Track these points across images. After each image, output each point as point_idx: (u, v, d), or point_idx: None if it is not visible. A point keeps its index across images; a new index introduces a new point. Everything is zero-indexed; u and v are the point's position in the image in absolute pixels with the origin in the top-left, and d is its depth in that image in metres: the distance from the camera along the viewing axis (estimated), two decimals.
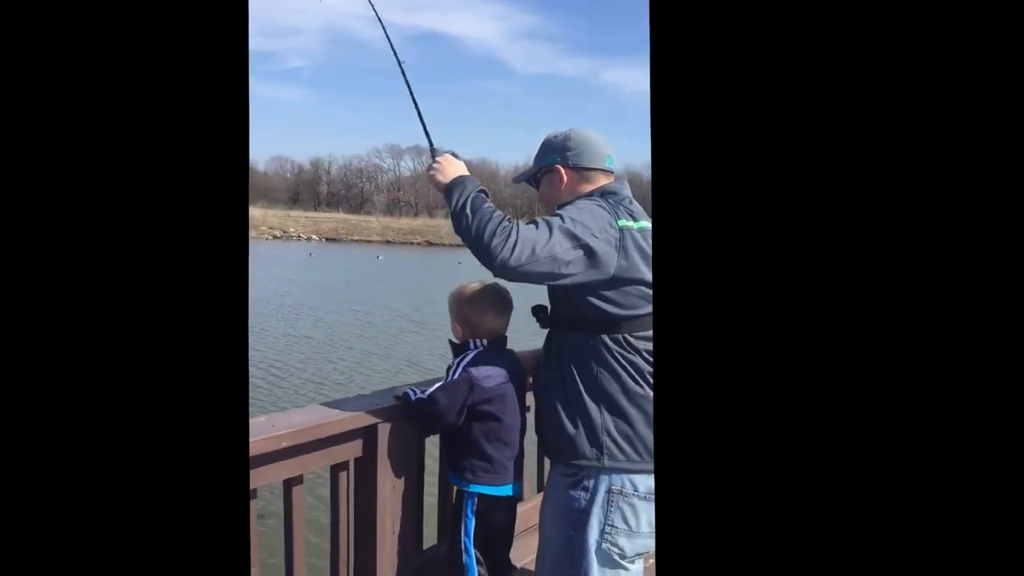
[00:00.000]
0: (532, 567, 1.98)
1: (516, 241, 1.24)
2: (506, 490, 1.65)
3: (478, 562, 1.62)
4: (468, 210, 1.33)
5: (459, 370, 1.61)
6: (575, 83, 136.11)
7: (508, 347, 1.74)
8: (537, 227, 1.28)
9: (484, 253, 1.27)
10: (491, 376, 1.61)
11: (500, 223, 1.28)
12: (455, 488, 1.69)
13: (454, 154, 1.54)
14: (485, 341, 1.67)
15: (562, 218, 1.30)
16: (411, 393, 1.62)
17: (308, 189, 67.00)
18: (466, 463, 1.64)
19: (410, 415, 1.62)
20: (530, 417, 1.84)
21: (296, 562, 1.49)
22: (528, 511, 2.22)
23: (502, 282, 1.61)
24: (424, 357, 8.92)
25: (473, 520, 1.64)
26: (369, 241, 38.03)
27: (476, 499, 1.63)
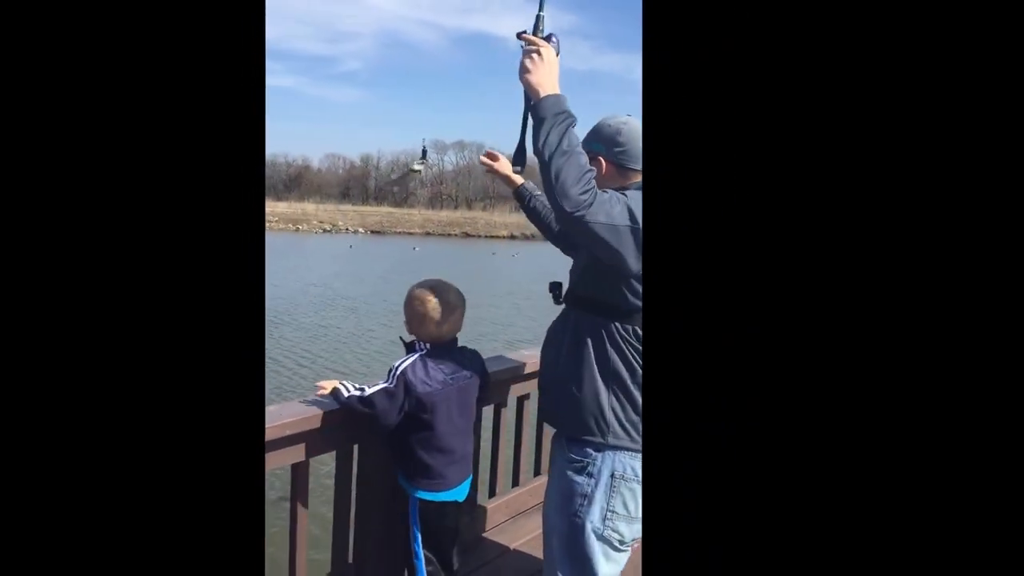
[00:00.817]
0: (526, 549, 2.06)
1: (595, 198, 1.18)
2: (446, 496, 1.59)
3: (427, 561, 1.59)
4: (565, 143, 1.19)
5: (397, 373, 1.54)
6: (610, 78, 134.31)
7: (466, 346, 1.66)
8: (608, 194, 1.22)
9: (563, 192, 1.16)
10: (427, 382, 1.54)
11: (588, 172, 1.19)
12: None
13: (554, 44, 1.27)
14: (427, 344, 1.59)
15: (628, 197, 1.24)
16: (342, 390, 1.53)
17: (358, 184, 67.63)
18: (406, 468, 1.59)
19: (346, 412, 1.55)
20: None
21: (299, 541, 1.58)
22: (522, 496, 2.28)
23: (454, 285, 1.63)
24: None
25: (419, 523, 1.59)
26: (411, 233, 38.26)
27: (418, 504, 1.58)
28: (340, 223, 38.54)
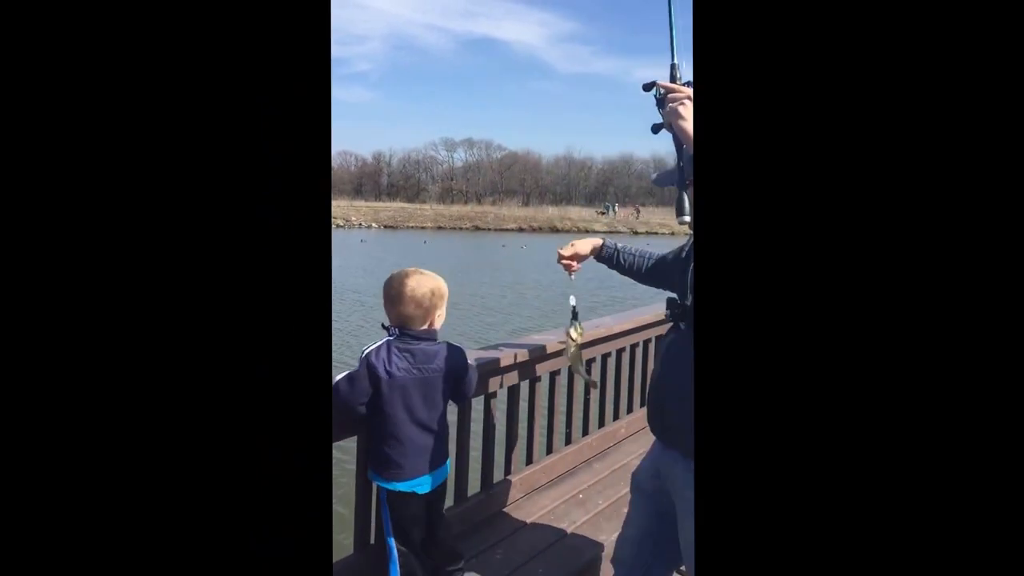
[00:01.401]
0: (541, 522, 2.08)
1: None
2: (403, 486, 1.52)
3: (399, 551, 1.55)
4: None
5: (363, 356, 1.50)
6: (608, 81, 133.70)
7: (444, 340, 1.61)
8: None
9: None
10: (388, 368, 1.48)
11: None
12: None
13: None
14: (397, 329, 1.53)
15: None
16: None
17: (370, 180, 67.73)
18: (373, 456, 1.56)
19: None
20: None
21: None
22: (536, 473, 2.31)
23: (438, 278, 1.59)
24: (448, 335, 8.98)
25: (388, 512, 1.55)
26: (423, 227, 38.33)
27: (385, 493, 1.55)
28: (354, 218, 38.64)
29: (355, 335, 9.23)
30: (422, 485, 1.55)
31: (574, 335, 1.90)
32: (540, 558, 1.88)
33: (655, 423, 1.40)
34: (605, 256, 1.83)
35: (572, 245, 1.83)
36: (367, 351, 1.51)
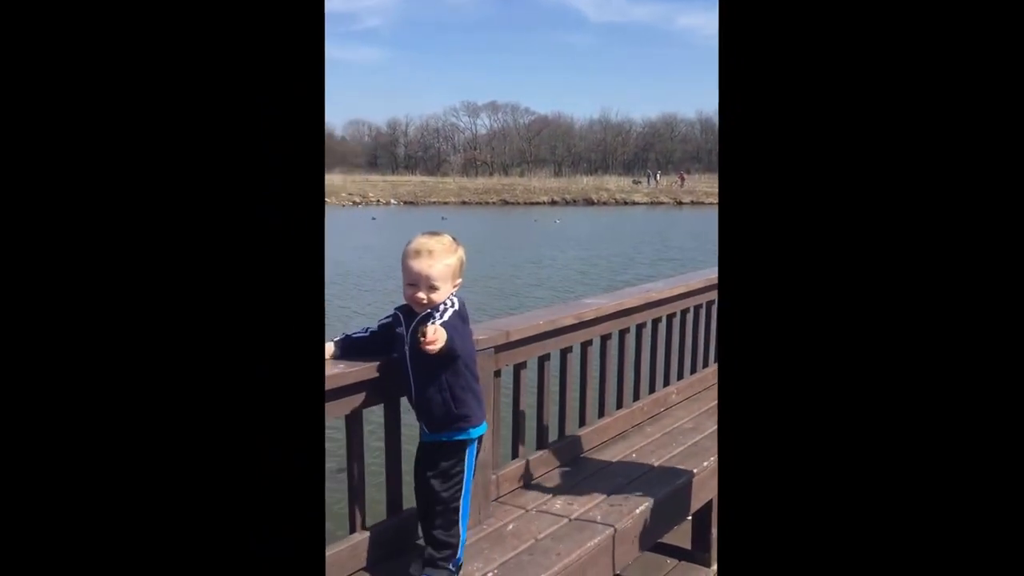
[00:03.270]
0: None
1: None
2: (486, 426, 1.81)
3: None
4: None
5: (454, 310, 1.72)
6: (649, 30, 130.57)
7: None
8: None
9: None
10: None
11: None
12: (442, 443, 1.74)
13: None
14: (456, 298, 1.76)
15: None
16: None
17: (386, 152, 67.93)
18: (452, 408, 1.72)
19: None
20: None
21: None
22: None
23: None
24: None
25: (473, 461, 1.77)
26: (446, 203, 38.64)
27: (477, 443, 1.77)
28: (371, 195, 39.14)
29: (352, 318, 8.80)
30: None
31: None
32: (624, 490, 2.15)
33: None
34: None
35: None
36: (455, 305, 1.74)
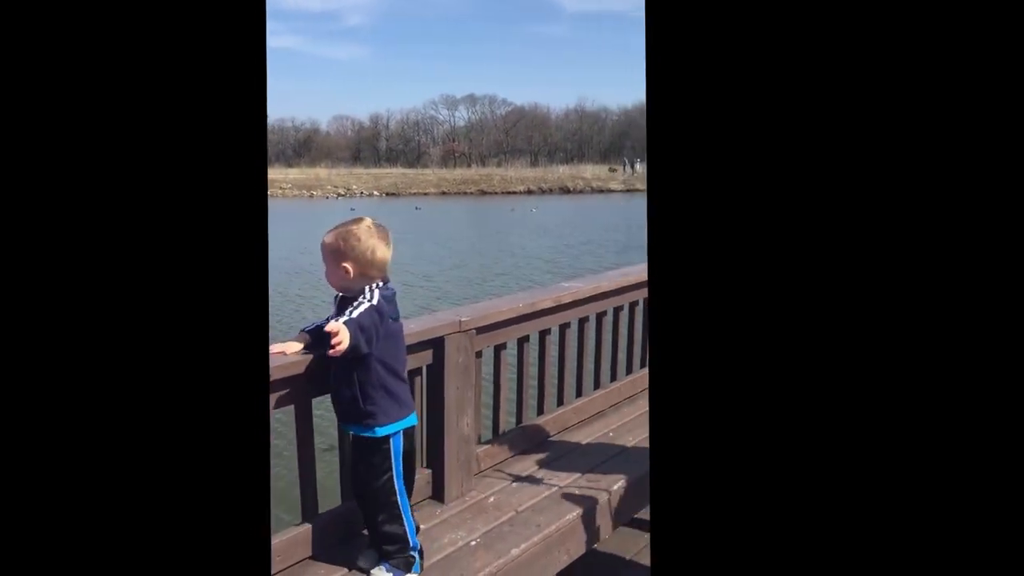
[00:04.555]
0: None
1: None
2: (415, 418, 1.77)
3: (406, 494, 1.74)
4: None
5: (371, 304, 1.63)
6: (623, 19, 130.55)
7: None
8: None
9: None
10: (388, 312, 1.66)
11: None
12: (359, 437, 1.69)
13: None
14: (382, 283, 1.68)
15: None
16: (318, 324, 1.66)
17: (369, 146, 67.49)
18: (374, 402, 1.66)
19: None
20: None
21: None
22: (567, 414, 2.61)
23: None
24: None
25: (400, 454, 1.70)
26: (426, 193, 38.44)
27: (402, 436, 1.70)
28: (355, 187, 38.84)
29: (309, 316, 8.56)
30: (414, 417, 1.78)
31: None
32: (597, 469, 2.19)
33: None
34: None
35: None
36: (372, 299, 1.65)
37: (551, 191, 39.29)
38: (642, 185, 40.59)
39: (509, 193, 38.77)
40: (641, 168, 47.35)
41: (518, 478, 2.17)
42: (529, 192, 39.02)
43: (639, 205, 30.44)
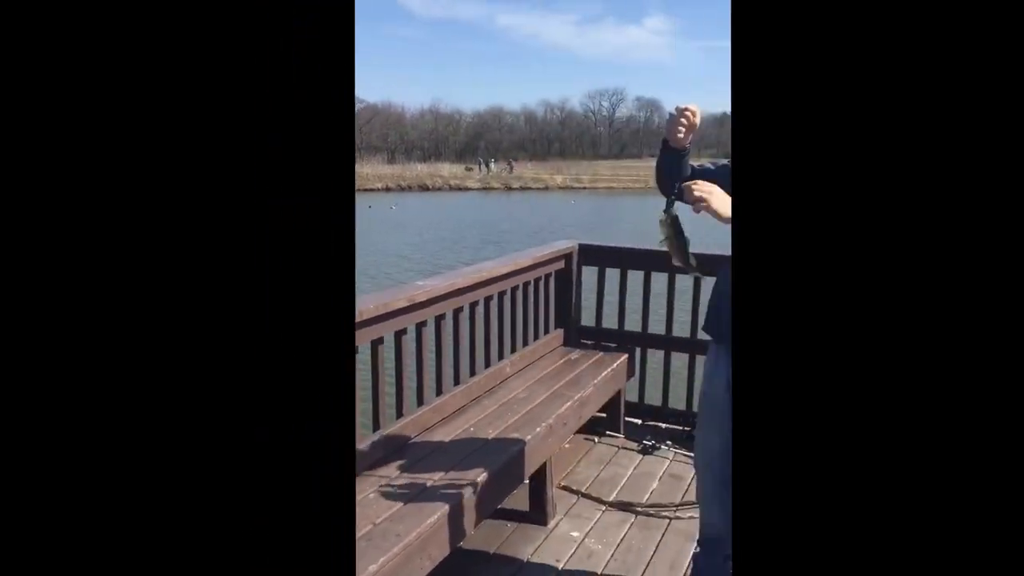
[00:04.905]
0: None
1: None
2: None
3: None
4: None
5: None
6: (474, 28, 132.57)
7: None
8: None
9: None
10: None
11: None
12: None
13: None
14: None
15: None
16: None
17: None
18: None
19: None
20: None
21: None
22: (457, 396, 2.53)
23: None
24: None
25: None
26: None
27: None
28: None
29: None
30: None
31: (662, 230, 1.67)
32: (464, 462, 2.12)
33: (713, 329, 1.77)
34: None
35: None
36: None
37: (410, 188, 38.79)
38: (496, 183, 41.31)
39: (367, 190, 37.81)
40: (495, 167, 48.22)
41: (375, 489, 2.06)
42: (387, 189, 38.27)
43: (495, 203, 30.93)
